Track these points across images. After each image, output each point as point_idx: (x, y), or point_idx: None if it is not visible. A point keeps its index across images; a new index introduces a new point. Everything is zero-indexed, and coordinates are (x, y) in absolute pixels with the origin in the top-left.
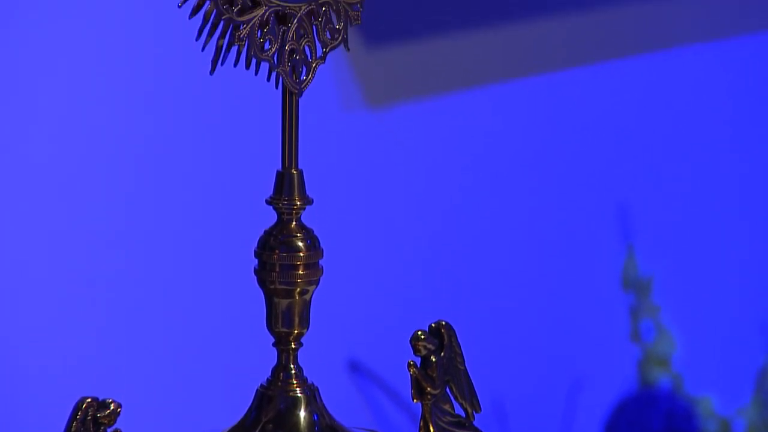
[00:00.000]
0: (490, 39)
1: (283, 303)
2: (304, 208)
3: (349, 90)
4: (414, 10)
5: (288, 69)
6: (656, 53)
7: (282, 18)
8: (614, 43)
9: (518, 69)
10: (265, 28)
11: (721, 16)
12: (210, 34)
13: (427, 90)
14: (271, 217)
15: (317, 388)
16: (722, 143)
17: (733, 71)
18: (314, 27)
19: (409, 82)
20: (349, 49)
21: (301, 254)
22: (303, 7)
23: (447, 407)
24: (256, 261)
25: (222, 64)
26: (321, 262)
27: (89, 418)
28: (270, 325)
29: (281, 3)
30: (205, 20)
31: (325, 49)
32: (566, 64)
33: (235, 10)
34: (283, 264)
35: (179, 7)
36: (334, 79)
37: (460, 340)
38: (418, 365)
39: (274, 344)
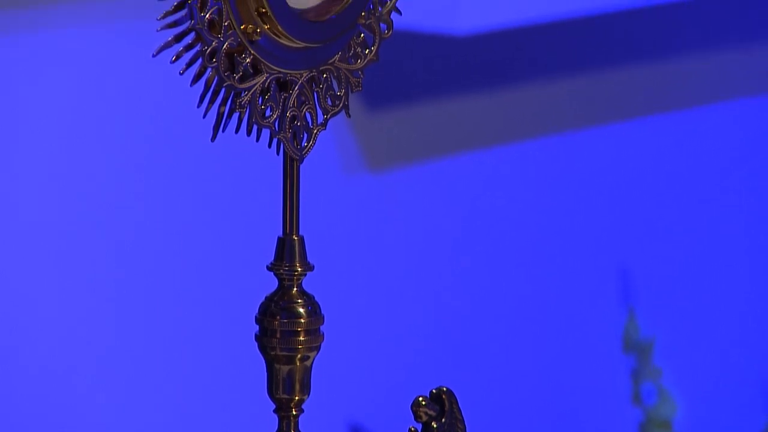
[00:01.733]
0: (490, 102)
1: (284, 369)
2: (305, 275)
3: (350, 153)
4: (414, 74)
5: (289, 135)
6: (654, 117)
7: (283, 85)
8: (613, 106)
9: (517, 132)
10: (266, 94)
11: (720, 79)
12: (211, 101)
13: (427, 153)
14: (272, 284)
15: None
16: (722, 206)
17: (732, 135)
18: (315, 94)
19: (410, 145)
20: (349, 116)
21: (302, 320)
22: (304, 74)
23: None
24: (257, 327)
25: (223, 131)
26: (322, 328)
27: None
28: (271, 392)
29: (282, 70)
30: (207, 87)
31: (326, 115)
32: (566, 128)
33: (237, 77)
34: (284, 330)
35: (181, 74)
36: (335, 142)
37: (461, 406)
38: (419, 431)
39: (275, 411)
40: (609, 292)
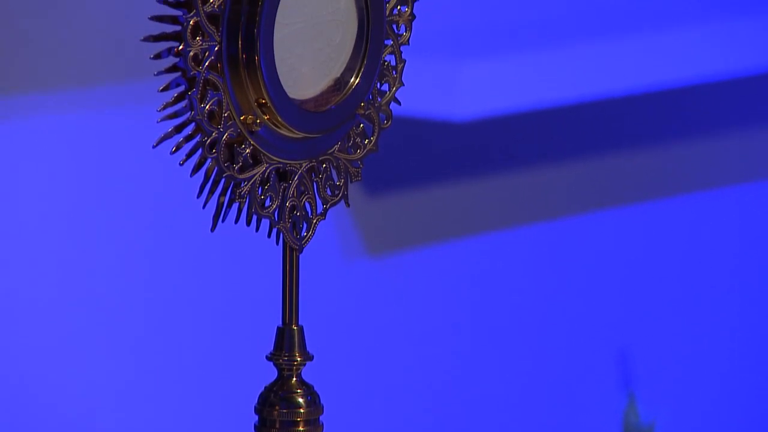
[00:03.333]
0: (488, 187)
1: None
2: (305, 364)
3: (350, 238)
4: (413, 159)
5: (289, 225)
6: (654, 202)
7: (283, 175)
8: (612, 191)
9: (517, 217)
10: (266, 185)
11: (718, 164)
12: (211, 192)
13: (427, 238)
14: (271, 373)
15: None
16: (722, 291)
17: (731, 220)
18: (315, 184)
19: (409, 230)
20: (349, 205)
21: (302, 410)
22: (304, 164)
23: None
24: (256, 417)
25: (223, 221)
26: (321, 418)
27: None
28: None
29: (282, 160)
30: (207, 178)
31: (326, 205)
32: (565, 212)
33: (237, 168)
34: (283, 420)
35: (181, 164)
36: (334, 227)
37: None
38: None
39: None
40: (609, 376)
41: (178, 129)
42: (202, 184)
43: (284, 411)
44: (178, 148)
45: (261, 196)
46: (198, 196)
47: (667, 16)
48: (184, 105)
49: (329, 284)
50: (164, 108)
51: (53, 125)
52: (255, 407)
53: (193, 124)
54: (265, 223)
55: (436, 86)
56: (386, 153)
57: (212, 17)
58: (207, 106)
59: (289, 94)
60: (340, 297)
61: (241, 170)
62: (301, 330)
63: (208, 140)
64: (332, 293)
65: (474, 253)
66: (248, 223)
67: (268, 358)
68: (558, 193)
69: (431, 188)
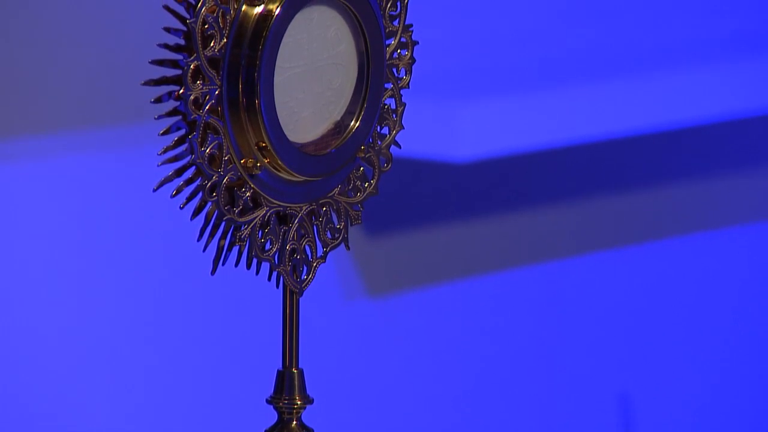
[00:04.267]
0: (489, 229)
1: None
2: (305, 408)
3: (350, 279)
4: (413, 200)
5: (289, 269)
6: (654, 243)
7: (283, 218)
8: (613, 232)
9: (517, 258)
10: (266, 228)
11: (718, 205)
12: (211, 235)
13: (427, 279)
14: (271, 417)
15: None
16: (722, 332)
17: (732, 260)
18: (315, 227)
19: (410, 271)
20: (349, 249)
21: None
22: (304, 207)
23: None
24: None
25: (223, 264)
26: None
27: None
28: None
29: (282, 203)
30: (207, 221)
31: (326, 248)
32: (565, 253)
33: (237, 211)
34: None
35: (181, 208)
36: (334, 268)
37: None
38: None
39: None
40: (609, 418)
41: (179, 172)
42: (202, 227)
43: None
44: (179, 191)
45: (261, 239)
46: (198, 240)
47: (665, 58)
48: (184, 149)
49: (330, 326)
50: (165, 152)
51: (52, 169)
52: None
53: (194, 167)
54: (266, 267)
55: (436, 127)
56: (386, 193)
57: (213, 61)
58: (207, 150)
59: (289, 137)
60: (341, 339)
61: (242, 213)
62: (301, 373)
63: (209, 184)
64: (333, 335)
65: (475, 294)
66: (248, 267)
67: (269, 402)
68: (559, 234)
69: (431, 229)
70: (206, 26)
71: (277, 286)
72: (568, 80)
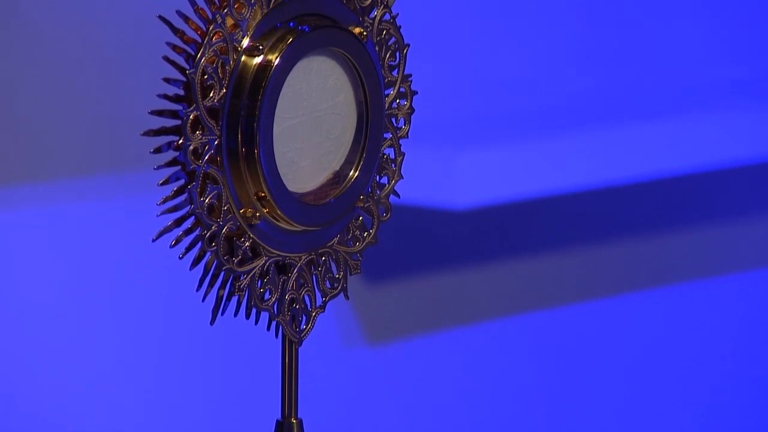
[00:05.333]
0: (488, 276)
1: None
2: None
3: (350, 327)
4: (412, 248)
5: (288, 318)
6: (654, 290)
7: (282, 267)
8: (612, 280)
9: (517, 305)
10: (265, 278)
11: (716, 253)
12: (210, 285)
13: (427, 326)
14: None
15: None
16: (724, 381)
17: (732, 309)
18: (314, 276)
19: (409, 318)
20: (348, 298)
21: None
22: (303, 257)
23: None
24: None
25: (222, 314)
26: None
27: None
28: None
29: (281, 253)
30: (206, 271)
31: (325, 298)
32: (566, 301)
33: (236, 261)
34: None
35: (180, 258)
36: (334, 316)
37: None
38: None
39: None
40: None
41: (178, 222)
42: (201, 277)
43: None
44: (178, 241)
45: (260, 289)
46: (197, 290)
47: (663, 106)
48: (183, 199)
49: (329, 374)
50: (164, 202)
51: (51, 217)
52: None
53: (193, 217)
54: (265, 316)
55: (436, 174)
56: (386, 241)
57: (212, 111)
58: (207, 200)
59: (288, 187)
60: (340, 388)
61: (241, 263)
62: (300, 423)
63: (208, 234)
64: (332, 384)
65: (475, 341)
66: (247, 316)
67: None
68: (559, 282)
69: (431, 276)
70: (206, 77)
71: (276, 336)
72: (566, 128)
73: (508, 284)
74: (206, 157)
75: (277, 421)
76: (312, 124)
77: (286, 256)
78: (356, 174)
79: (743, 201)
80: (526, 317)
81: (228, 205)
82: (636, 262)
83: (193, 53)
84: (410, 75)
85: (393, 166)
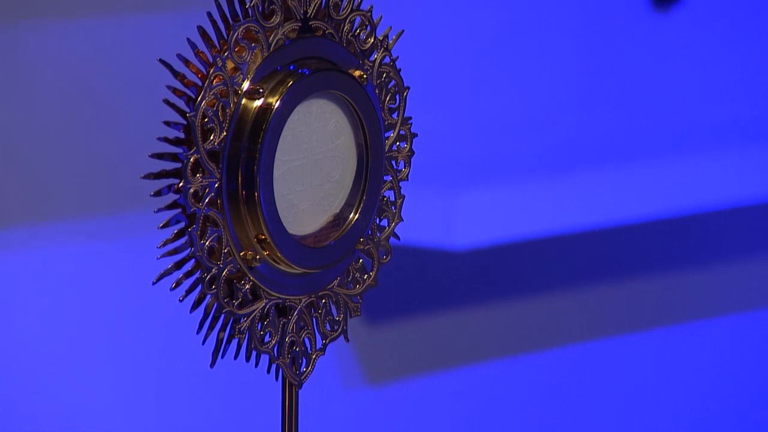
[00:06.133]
0: (488, 316)
1: None
2: None
3: (350, 368)
4: (412, 288)
5: (288, 361)
6: (653, 331)
7: (282, 310)
8: (611, 320)
9: (516, 346)
10: (265, 320)
11: (717, 293)
12: (211, 327)
13: (427, 367)
14: None
15: None
16: (725, 420)
17: (733, 348)
18: (314, 319)
19: (409, 359)
20: (348, 341)
21: None
22: (303, 299)
23: None
24: None
25: (222, 357)
26: None
27: None
28: None
29: (281, 295)
30: (206, 314)
31: (325, 340)
32: (565, 341)
33: (236, 304)
34: None
35: (180, 301)
36: (334, 356)
37: None
38: None
39: None
40: None
41: (178, 265)
42: (201, 319)
43: None
44: (178, 284)
45: (260, 331)
46: (198, 332)
47: (662, 146)
48: (184, 241)
49: (329, 416)
50: (164, 245)
51: (51, 258)
52: None
53: (193, 260)
54: (265, 359)
55: (435, 215)
56: (385, 282)
57: (212, 154)
58: (207, 243)
59: (288, 229)
60: (341, 429)
61: (241, 306)
62: None
63: (208, 276)
64: (333, 425)
65: (474, 381)
66: (248, 359)
67: None
68: (557, 322)
69: (431, 317)
70: (206, 120)
71: (276, 379)
72: (564, 169)
73: (507, 325)
74: (206, 200)
75: None
76: (312, 166)
77: (287, 299)
78: (356, 217)
79: (744, 241)
80: (525, 358)
81: (228, 248)
82: (636, 303)
83: (193, 96)
84: (410, 118)
85: (393, 208)
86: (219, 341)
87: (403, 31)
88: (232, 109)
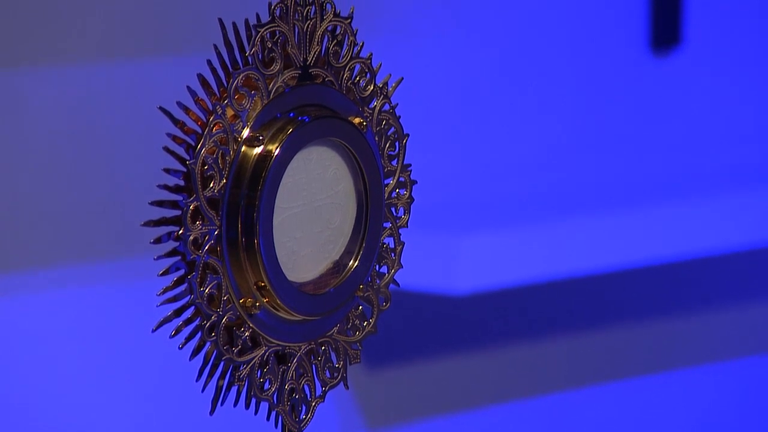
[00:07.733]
0: (487, 361)
1: None
2: None
3: (350, 414)
4: (412, 333)
5: (287, 408)
6: (651, 376)
7: (282, 357)
8: (611, 365)
9: (516, 391)
10: (265, 367)
11: (715, 338)
12: (210, 375)
13: (426, 412)
14: None
15: None
16: None
17: (731, 393)
18: (314, 366)
19: (409, 404)
20: (348, 387)
21: None
22: (303, 347)
23: None
24: None
25: (222, 404)
26: None
27: None
28: None
29: (281, 343)
30: (206, 361)
31: (325, 388)
32: (566, 386)
33: (236, 351)
34: None
35: (180, 348)
36: (334, 402)
37: None
38: None
39: None
40: None
41: (178, 312)
42: (201, 367)
43: None
44: (178, 331)
45: (260, 379)
46: (197, 380)
47: (661, 192)
48: (183, 288)
49: None
50: (164, 292)
51: (50, 303)
52: None
53: (193, 307)
54: (264, 406)
55: (435, 260)
56: (385, 328)
57: (212, 202)
58: (207, 290)
59: (288, 277)
60: None
61: (240, 353)
62: None
63: (208, 324)
64: None
65: (475, 427)
66: (247, 406)
67: None
68: (557, 367)
69: (431, 363)
70: (206, 167)
71: (276, 426)
72: (564, 213)
73: (508, 370)
74: (206, 247)
75: None
76: (312, 213)
77: (286, 346)
78: (356, 263)
79: (742, 286)
80: (526, 403)
81: (228, 295)
82: (637, 348)
83: (193, 144)
84: (410, 165)
85: (392, 255)
86: (218, 388)
87: (402, 78)
88: (232, 157)
